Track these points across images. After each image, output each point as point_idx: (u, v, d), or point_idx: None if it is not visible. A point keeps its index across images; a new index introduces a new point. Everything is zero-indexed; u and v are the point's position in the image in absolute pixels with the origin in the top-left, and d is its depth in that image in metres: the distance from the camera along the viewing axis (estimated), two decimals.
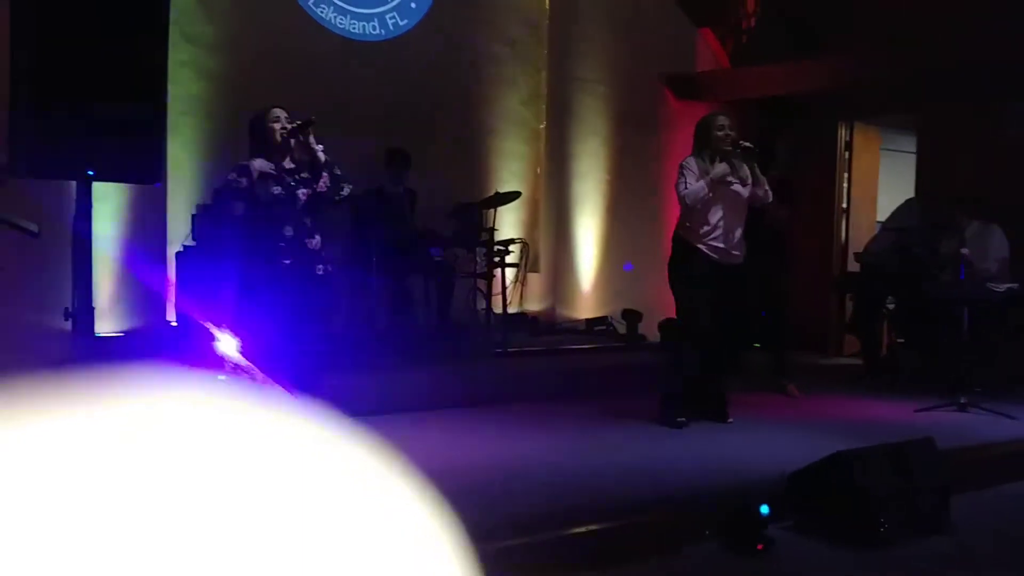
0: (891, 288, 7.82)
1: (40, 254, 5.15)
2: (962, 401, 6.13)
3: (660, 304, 8.73)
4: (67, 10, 2.46)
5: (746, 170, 5.53)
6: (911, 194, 9.10)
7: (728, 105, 9.57)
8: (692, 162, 5.53)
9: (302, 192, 4.54)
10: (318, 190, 4.56)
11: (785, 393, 6.76)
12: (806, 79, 8.80)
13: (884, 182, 9.94)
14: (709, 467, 4.50)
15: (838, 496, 3.93)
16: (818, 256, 9.27)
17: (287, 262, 4.49)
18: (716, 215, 5.42)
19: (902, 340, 8.01)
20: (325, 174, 4.56)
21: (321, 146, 4.58)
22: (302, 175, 4.56)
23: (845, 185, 9.67)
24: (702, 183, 5.38)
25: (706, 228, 5.42)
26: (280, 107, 4.61)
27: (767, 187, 5.57)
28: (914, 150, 9.27)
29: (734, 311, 5.57)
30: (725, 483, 4.20)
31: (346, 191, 4.66)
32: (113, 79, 2.57)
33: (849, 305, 8.73)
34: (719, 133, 5.49)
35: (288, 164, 4.56)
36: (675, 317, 5.85)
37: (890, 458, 4.12)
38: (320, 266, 4.63)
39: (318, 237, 4.63)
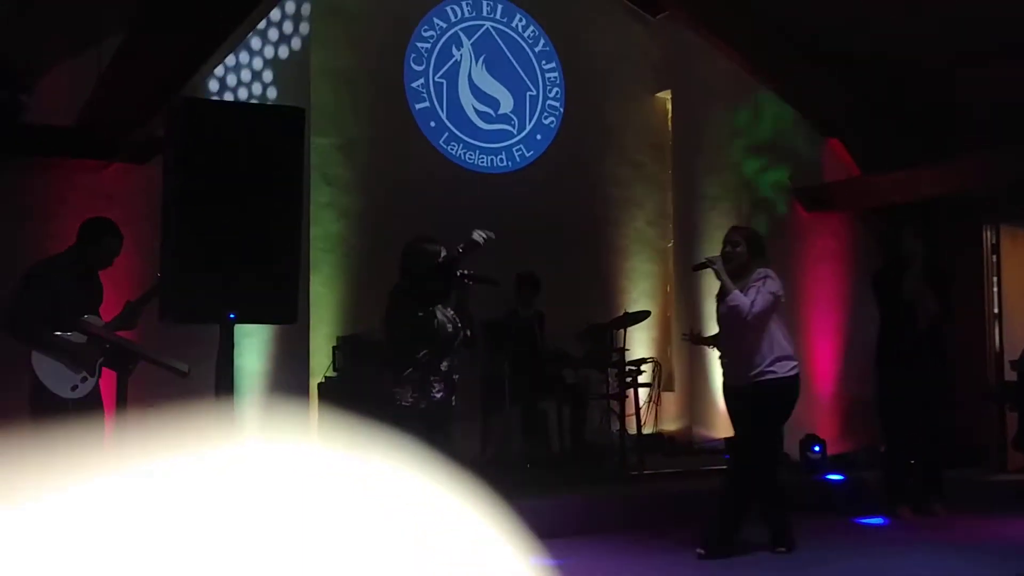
0: None
1: (191, 391, 5.44)
2: None
3: (799, 421, 8.49)
4: (211, 174, 2.68)
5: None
6: None
7: (860, 213, 9.43)
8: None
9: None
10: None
11: (929, 512, 6.31)
12: (943, 183, 8.57)
13: None
14: None
15: None
16: (971, 364, 8.82)
17: (438, 396, 4.63)
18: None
19: None
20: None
21: None
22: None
23: (995, 289, 9.26)
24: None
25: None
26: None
27: (738, 303, 5.09)
28: None
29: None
30: None
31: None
32: (253, 233, 2.77)
33: (1010, 416, 8.23)
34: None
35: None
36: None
37: None
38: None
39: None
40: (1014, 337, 9.15)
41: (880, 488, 6.40)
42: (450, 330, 4.67)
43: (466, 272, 4.75)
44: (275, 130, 2.78)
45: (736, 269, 5.16)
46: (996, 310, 9.18)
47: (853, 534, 5.81)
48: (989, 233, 9.25)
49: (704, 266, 5.38)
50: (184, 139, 2.62)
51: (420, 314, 4.59)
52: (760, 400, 5.06)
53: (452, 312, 4.79)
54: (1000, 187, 8.33)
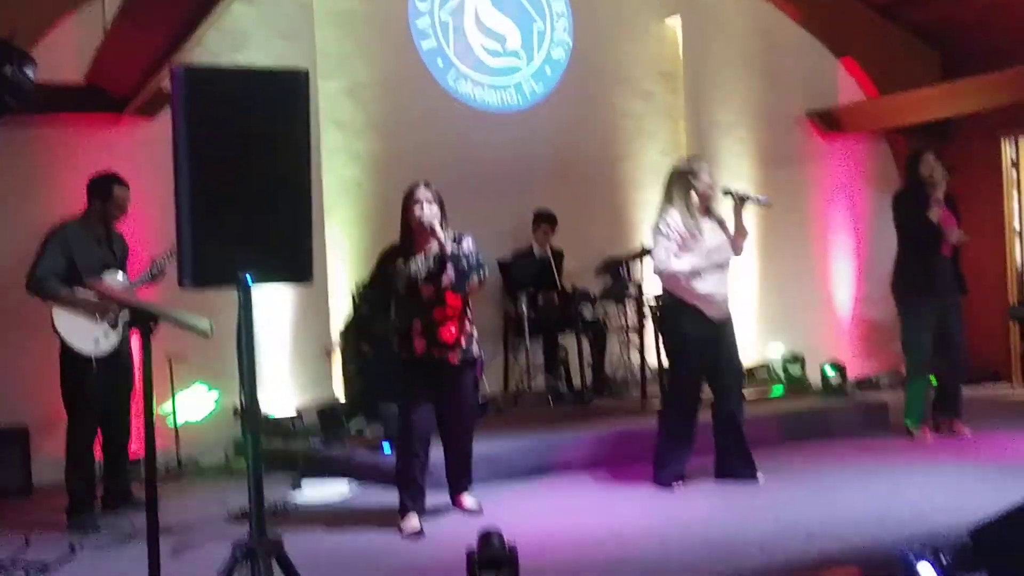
0: None
1: (216, 345, 5.54)
2: None
3: (823, 346, 8.51)
4: (217, 140, 2.69)
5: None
6: None
7: (875, 134, 9.32)
8: (675, 219, 5.03)
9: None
10: (442, 286, 4.65)
11: (952, 433, 6.34)
12: (962, 101, 8.44)
13: None
14: (886, 519, 4.31)
15: None
16: (991, 282, 8.78)
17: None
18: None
19: None
20: (450, 265, 4.61)
21: (451, 241, 4.62)
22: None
23: (1016, 205, 9.17)
24: (683, 265, 4.99)
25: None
26: (426, 185, 4.70)
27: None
28: None
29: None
30: (895, 541, 3.99)
31: (475, 280, 4.66)
32: (264, 195, 2.78)
33: None
34: (709, 180, 5.11)
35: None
36: None
37: None
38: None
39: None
40: None
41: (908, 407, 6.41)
42: (424, 276, 4.62)
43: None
44: (279, 92, 2.76)
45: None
46: (1017, 226, 9.11)
47: (868, 454, 5.86)
48: (1008, 147, 9.14)
49: (744, 199, 5.21)
50: (187, 107, 2.62)
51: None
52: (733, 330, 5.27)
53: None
54: (1018, 104, 8.18)
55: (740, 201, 5.21)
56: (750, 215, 5.35)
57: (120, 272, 5.19)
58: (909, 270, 6.30)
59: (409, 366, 4.64)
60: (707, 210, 5.15)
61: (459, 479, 4.89)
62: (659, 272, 5.11)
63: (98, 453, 5.18)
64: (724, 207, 5.34)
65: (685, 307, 5.08)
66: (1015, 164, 9.16)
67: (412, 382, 4.64)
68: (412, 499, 4.63)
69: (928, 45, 9.35)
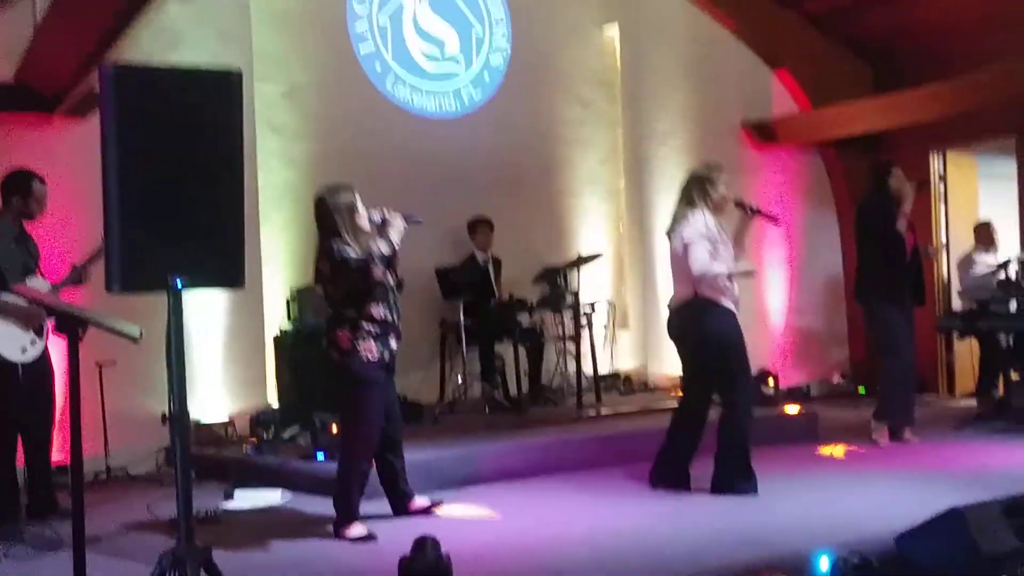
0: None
1: (145, 351, 5.40)
2: None
3: (755, 355, 8.61)
4: (148, 140, 2.63)
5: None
6: (1015, 223, 8.80)
7: (808, 145, 9.49)
8: (709, 220, 5.03)
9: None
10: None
11: (901, 440, 6.51)
12: (894, 114, 8.63)
13: (986, 211, 9.63)
14: (813, 527, 4.38)
15: (952, 557, 3.67)
16: None
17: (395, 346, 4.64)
18: None
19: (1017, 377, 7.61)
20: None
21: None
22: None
23: (943, 217, 9.39)
24: (723, 268, 4.99)
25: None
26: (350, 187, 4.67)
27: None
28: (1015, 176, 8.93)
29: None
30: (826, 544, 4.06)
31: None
32: (195, 198, 2.73)
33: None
34: (724, 191, 5.10)
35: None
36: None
37: (1008, 513, 3.82)
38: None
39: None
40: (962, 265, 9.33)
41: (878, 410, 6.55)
42: (392, 281, 4.62)
43: (384, 216, 4.65)
44: (212, 93, 2.72)
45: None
46: (944, 239, 9.33)
47: (799, 463, 5.96)
48: (936, 160, 9.36)
49: (756, 213, 5.20)
50: (117, 107, 2.56)
51: (355, 269, 4.52)
52: None
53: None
54: (948, 118, 8.40)
55: (752, 214, 5.17)
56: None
57: (38, 275, 5.04)
58: (879, 278, 6.46)
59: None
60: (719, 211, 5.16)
61: (407, 483, 4.87)
62: (702, 274, 4.94)
63: (20, 461, 5.04)
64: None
65: (719, 308, 5.02)
66: (942, 178, 9.39)
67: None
68: (357, 504, 4.62)
69: (860, 59, 9.56)
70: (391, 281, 4.63)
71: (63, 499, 5.00)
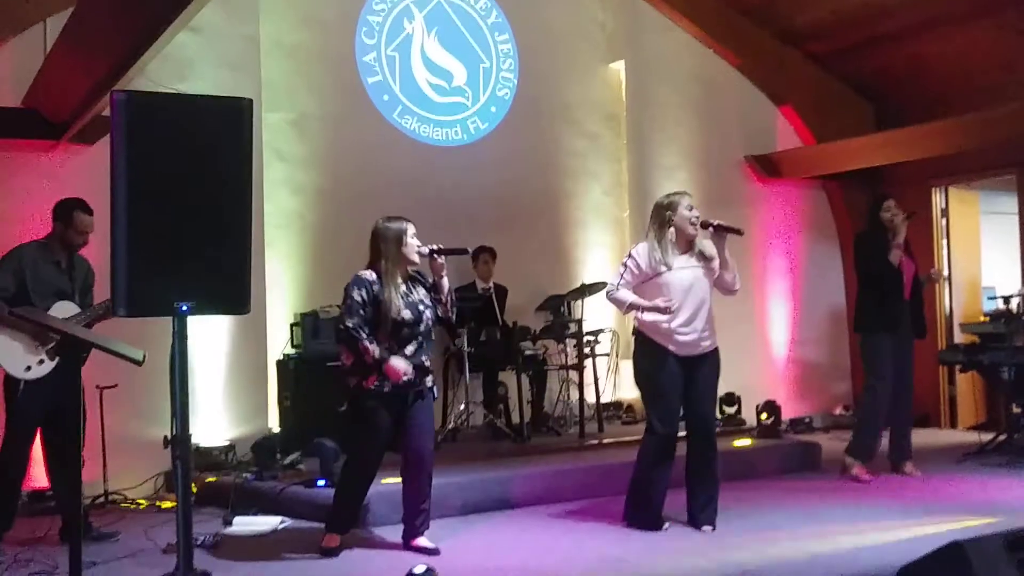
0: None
1: (146, 375, 5.42)
2: None
3: (759, 387, 8.62)
4: (157, 167, 2.67)
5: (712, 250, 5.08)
6: (1017, 258, 8.83)
7: (811, 180, 9.55)
8: (639, 252, 5.00)
9: (428, 315, 4.69)
10: (441, 315, 4.76)
11: (903, 474, 6.49)
12: (896, 150, 8.69)
13: (988, 246, 9.67)
14: (813, 560, 4.37)
15: None
16: None
17: (405, 379, 4.59)
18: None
19: (1019, 410, 7.60)
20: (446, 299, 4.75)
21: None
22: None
23: (945, 252, 9.43)
24: (630, 300, 4.94)
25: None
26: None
27: (736, 273, 5.16)
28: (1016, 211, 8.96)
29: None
30: None
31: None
32: (202, 224, 2.76)
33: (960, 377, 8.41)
34: (687, 213, 4.98)
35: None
36: None
37: (1011, 547, 3.79)
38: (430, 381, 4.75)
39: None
40: (962, 299, 9.36)
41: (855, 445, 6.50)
42: (409, 316, 4.62)
43: (434, 247, 4.71)
44: (221, 121, 2.76)
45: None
46: (946, 273, 9.36)
47: (801, 494, 5.94)
48: (938, 196, 9.42)
49: (716, 229, 5.06)
50: (127, 134, 2.60)
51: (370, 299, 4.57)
52: (718, 367, 5.16)
53: (422, 293, 4.73)
54: (949, 154, 8.46)
55: (715, 232, 5.11)
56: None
57: (73, 301, 5.08)
58: (871, 310, 6.46)
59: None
60: (689, 244, 5.08)
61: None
62: (607, 294, 5.11)
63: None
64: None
65: (648, 341, 5.00)
66: (944, 213, 9.44)
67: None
68: (342, 517, 4.70)
69: (863, 96, 9.64)
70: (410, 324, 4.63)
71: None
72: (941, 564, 3.68)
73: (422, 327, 4.66)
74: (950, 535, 3.79)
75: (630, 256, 5.06)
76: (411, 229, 4.68)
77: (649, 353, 5.02)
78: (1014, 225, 8.95)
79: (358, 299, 4.55)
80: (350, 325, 4.52)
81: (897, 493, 5.96)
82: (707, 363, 5.10)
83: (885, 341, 6.39)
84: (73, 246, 5.12)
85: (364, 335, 4.52)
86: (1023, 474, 6.37)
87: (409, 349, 4.62)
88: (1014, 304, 7.64)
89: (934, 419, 9.10)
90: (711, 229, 5.08)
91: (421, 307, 4.66)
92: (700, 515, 5.08)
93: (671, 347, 4.97)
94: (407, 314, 4.58)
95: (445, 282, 4.75)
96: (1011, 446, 7.04)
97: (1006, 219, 9.28)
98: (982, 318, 8.66)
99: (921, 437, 7.92)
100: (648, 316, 4.98)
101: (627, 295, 5.00)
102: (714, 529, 5.04)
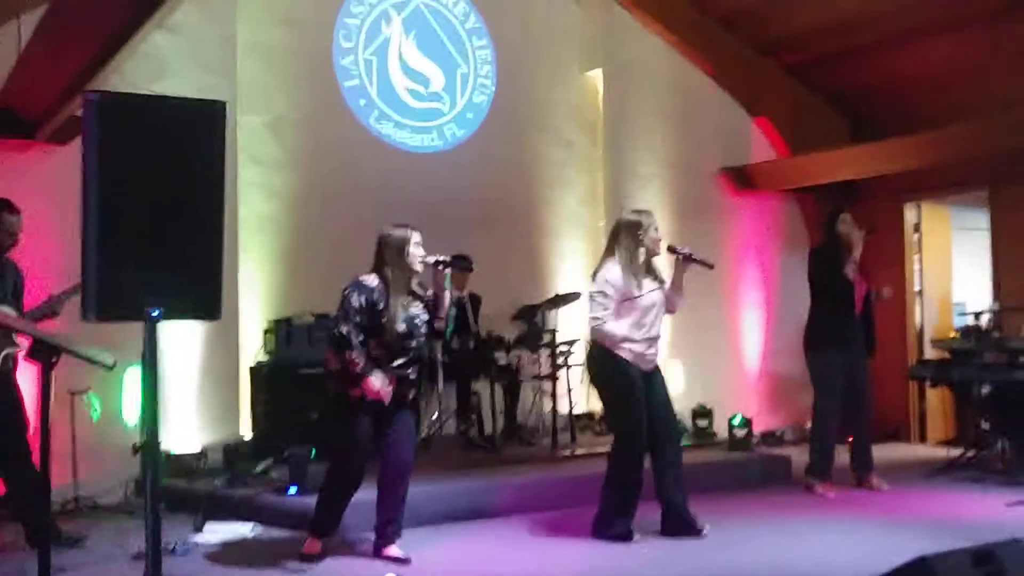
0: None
1: (117, 380, 5.39)
2: None
3: (730, 399, 8.64)
4: (129, 169, 2.63)
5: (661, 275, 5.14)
6: (988, 273, 8.92)
7: (786, 192, 9.61)
8: (614, 274, 4.95)
9: (423, 331, 4.65)
10: (436, 328, 4.70)
11: (869, 487, 6.50)
12: (870, 164, 8.76)
13: (959, 262, 9.76)
14: (780, 573, 4.37)
15: None
16: (891, 342, 9.06)
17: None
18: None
19: (988, 427, 7.64)
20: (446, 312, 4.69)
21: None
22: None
23: (917, 267, 9.51)
24: (624, 328, 4.93)
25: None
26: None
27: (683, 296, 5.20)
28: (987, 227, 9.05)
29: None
30: None
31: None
32: (174, 228, 2.73)
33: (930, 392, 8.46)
34: (656, 235, 5.02)
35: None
36: None
37: (977, 562, 3.81)
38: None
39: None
40: (935, 314, 9.44)
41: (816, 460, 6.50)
42: (404, 330, 4.56)
43: (439, 258, 4.65)
44: (195, 124, 2.73)
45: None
46: (918, 288, 9.44)
47: (772, 508, 5.95)
48: (911, 212, 9.50)
49: (688, 259, 5.12)
50: (99, 135, 2.56)
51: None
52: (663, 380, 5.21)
53: (420, 307, 4.66)
54: (922, 169, 8.54)
55: (684, 261, 5.13)
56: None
57: (8, 305, 4.96)
58: (822, 325, 6.45)
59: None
60: (648, 265, 5.09)
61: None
62: (595, 330, 5.00)
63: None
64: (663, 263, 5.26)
65: (609, 355, 5.00)
66: (916, 227, 9.52)
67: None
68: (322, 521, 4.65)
69: (838, 110, 9.72)
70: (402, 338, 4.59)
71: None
72: None
73: (414, 342, 4.62)
74: (917, 550, 3.80)
75: (605, 282, 4.97)
76: (415, 237, 4.62)
77: (612, 365, 5.02)
78: (985, 241, 9.05)
79: (355, 304, 4.50)
80: (344, 331, 4.47)
81: (865, 507, 5.99)
82: (658, 373, 5.19)
83: (836, 358, 6.36)
84: (1, 248, 5.00)
85: (355, 344, 4.47)
86: (991, 490, 6.41)
87: (399, 361, 4.58)
88: (984, 320, 7.71)
89: (904, 434, 9.17)
90: (681, 258, 5.12)
91: (417, 321, 4.62)
92: (687, 518, 5.10)
93: (632, 359, 5.00)
94: (402, 327, 4.54)
95: (447, 296, 4.68)
96: (980, 462, 7.09)
97: (978, 235, 9.38)
98: (952, 334, 8.73)
99: (891, 452, 8.00)
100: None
101: (620, 328, 4.96)
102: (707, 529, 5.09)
